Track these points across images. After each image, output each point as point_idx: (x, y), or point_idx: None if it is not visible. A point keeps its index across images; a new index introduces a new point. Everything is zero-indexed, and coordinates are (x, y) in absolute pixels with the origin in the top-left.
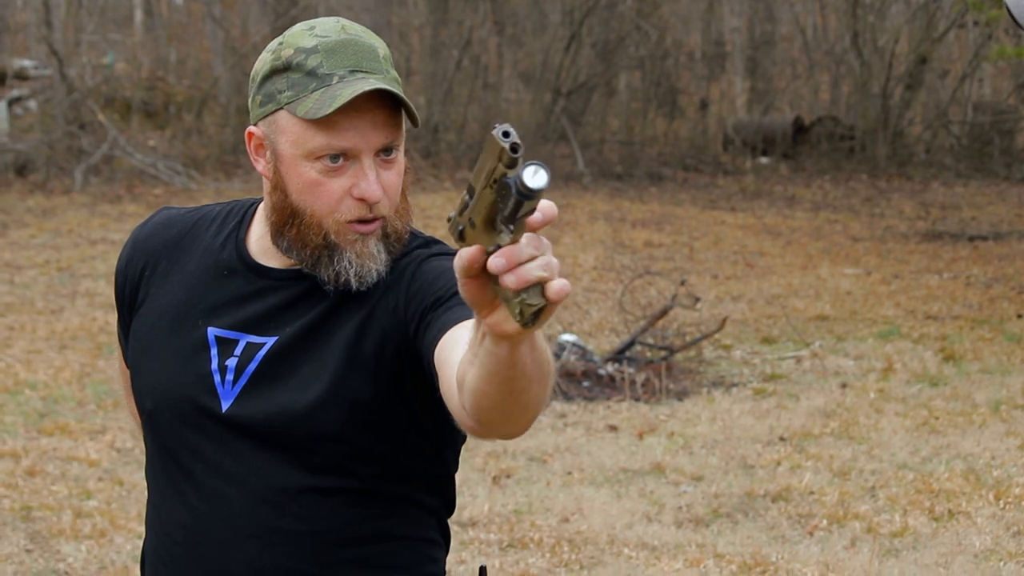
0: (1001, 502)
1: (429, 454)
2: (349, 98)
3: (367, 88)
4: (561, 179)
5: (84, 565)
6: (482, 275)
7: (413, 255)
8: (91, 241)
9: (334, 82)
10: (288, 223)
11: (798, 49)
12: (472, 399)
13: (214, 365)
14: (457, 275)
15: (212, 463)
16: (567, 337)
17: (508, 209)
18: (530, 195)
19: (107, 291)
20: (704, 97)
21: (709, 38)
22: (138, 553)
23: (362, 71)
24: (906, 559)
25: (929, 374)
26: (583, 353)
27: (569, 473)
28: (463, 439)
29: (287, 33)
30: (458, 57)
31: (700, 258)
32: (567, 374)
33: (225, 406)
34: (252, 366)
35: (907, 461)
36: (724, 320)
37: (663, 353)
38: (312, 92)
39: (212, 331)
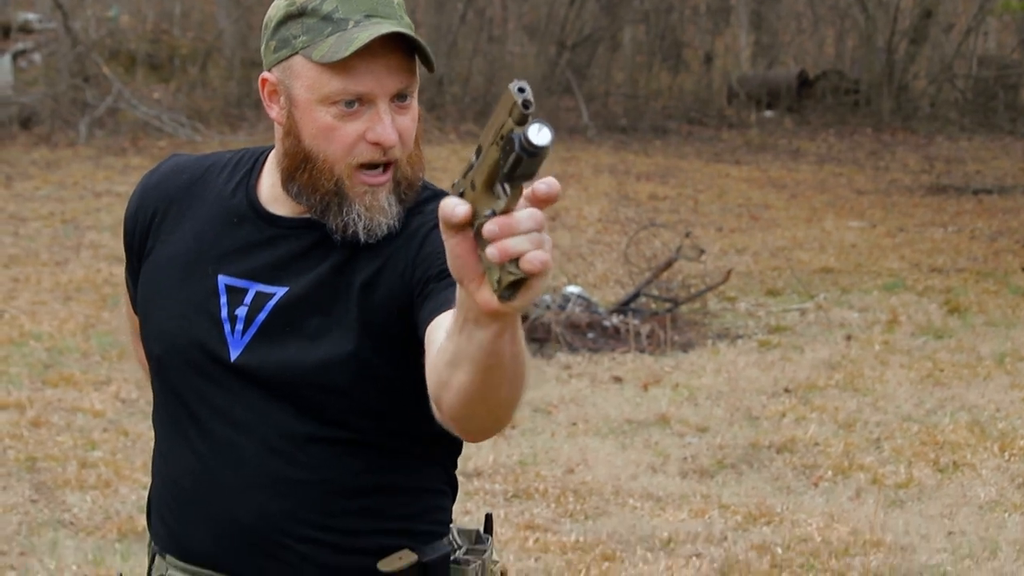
0: (1006, 454)
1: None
2: (366, 41)
3: (384, 31)
4: (566, 132)
5: (89, 515)
6: (473, 240)
7: (427, 214)
8: (96, 193)
9: (350, 26)
10: (300, 168)
11: (803, 3)
12: (440, 385)
13: (224, 313)
14: (442, 229)
15: (220, 411)
16: (572, 289)
17: (508, 166)
18: (533, 151)
19: (112, 243)
20: (709, 51)
21: None
22: (143, 503)
23: (378, 16)
24: (911, 510)
25: (934, 326)
26: (588, 305)
27: (574, 424)
28: None
29: None
30: (463, 10)
31: (704, 211)
32: (572, 326)
33: (234, 355)
34: (262, 316)
35: (912, 413)
36: (729, 272)
37: (668, 305)
38: (328, 36)
39: (222, 279)
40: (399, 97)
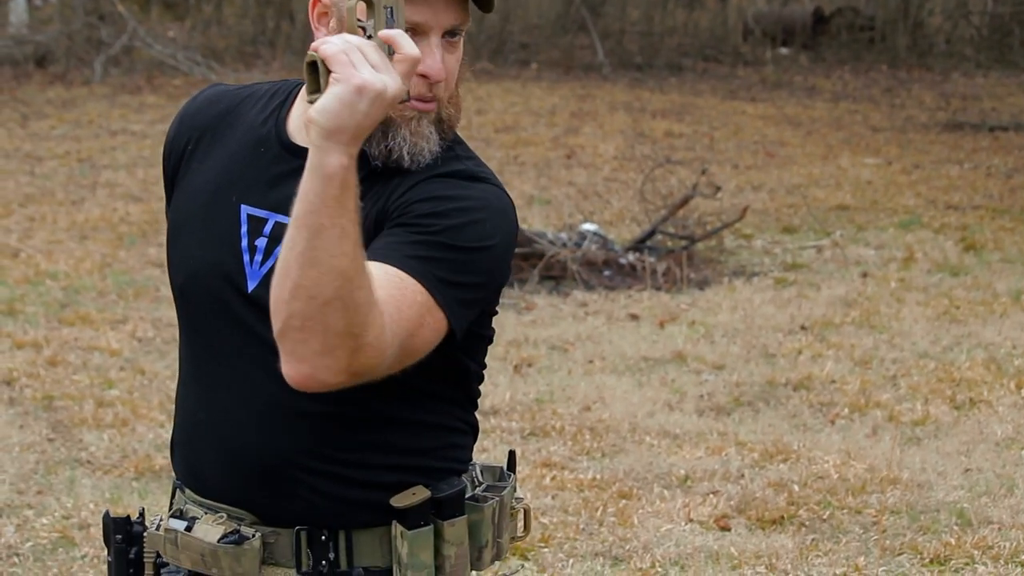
0: (1022, 391)
1: (450, 354)
2: None
3: None
4: (581, 70)
5: (106, 454)
6: None
7: (436, 164)
8: (111, 132)
9: None
10: None
11: None
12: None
13: (244, 244)
14: None
15: (236, 343)
16: (588, 226)
17: None
18: None
19: (128, 182)
20: None
21: None
22: (160, 442)
23: None
24: (927, 447)
25: (950, 264)
26: (604, 242)
27: (590, 362)
28: (488, 342)
29: None
30: None
31: (720, 148)
32: (588, 263)
33: (251, 286)
34: (279, 248)
35: (928, 350)
36: (745, 209)
37: (684, 242)
38: None
39: (245, 208)
40: (450, 33)
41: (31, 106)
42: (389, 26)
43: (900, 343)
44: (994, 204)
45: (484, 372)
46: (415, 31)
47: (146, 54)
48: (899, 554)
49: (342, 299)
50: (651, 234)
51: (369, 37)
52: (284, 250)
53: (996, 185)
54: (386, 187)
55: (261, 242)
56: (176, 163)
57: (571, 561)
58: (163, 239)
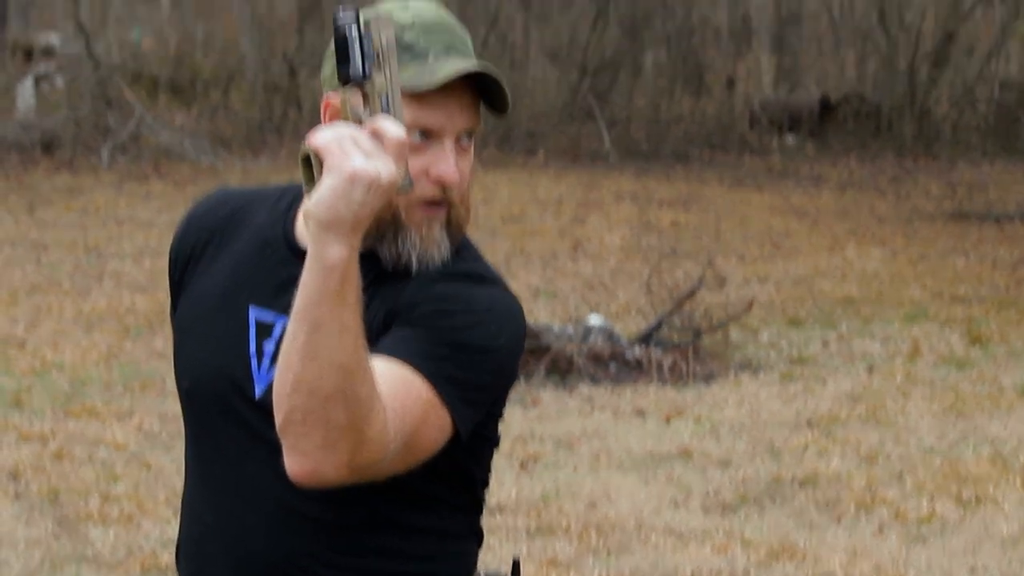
0: None
1: (456, 457)
2: (453, 74)
3: (470, 68)
4: (588, 158)
5: (112, 550)
6: None
7: (444, 266)
8: (118, 220)
9: (429, 59)
10: None
11: (825, 26)
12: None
13: (252, 348)
14: None
15: (243, 446)
16: (594, 319)
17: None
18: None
19: (134, 271)
20: (730, 75)
21: (735, 15)
22: (166, 538)
23: (456, 51)
24: (933, 545)
25: (956, 357)
26: (610, 336)
27: (596, 457)
28: (493, 446)
29: (380, 7)
30: (484, 35)
31: (727, 239)
32: (594, 357)
33: (259, 391)
34: (281, 350)
35: (934, 445)
36: (751, 302)
37: (690, 336)
38: (407, 66)
39: (253, 312)
40: (463, 137)
41: (38, 193)
42: (385, 112)
43: (906, 438)
44: (1000, 296)
45: (490, 477)
46: (429, 135)
47: (153, 141)
48: None
49: (343, 393)
50: (657, 327)
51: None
52: (285, 343)
53: (1002, 276)
54: (394, 288)
55: (269, 346)
56: (183, 267)
57: None
58: (169, 330)
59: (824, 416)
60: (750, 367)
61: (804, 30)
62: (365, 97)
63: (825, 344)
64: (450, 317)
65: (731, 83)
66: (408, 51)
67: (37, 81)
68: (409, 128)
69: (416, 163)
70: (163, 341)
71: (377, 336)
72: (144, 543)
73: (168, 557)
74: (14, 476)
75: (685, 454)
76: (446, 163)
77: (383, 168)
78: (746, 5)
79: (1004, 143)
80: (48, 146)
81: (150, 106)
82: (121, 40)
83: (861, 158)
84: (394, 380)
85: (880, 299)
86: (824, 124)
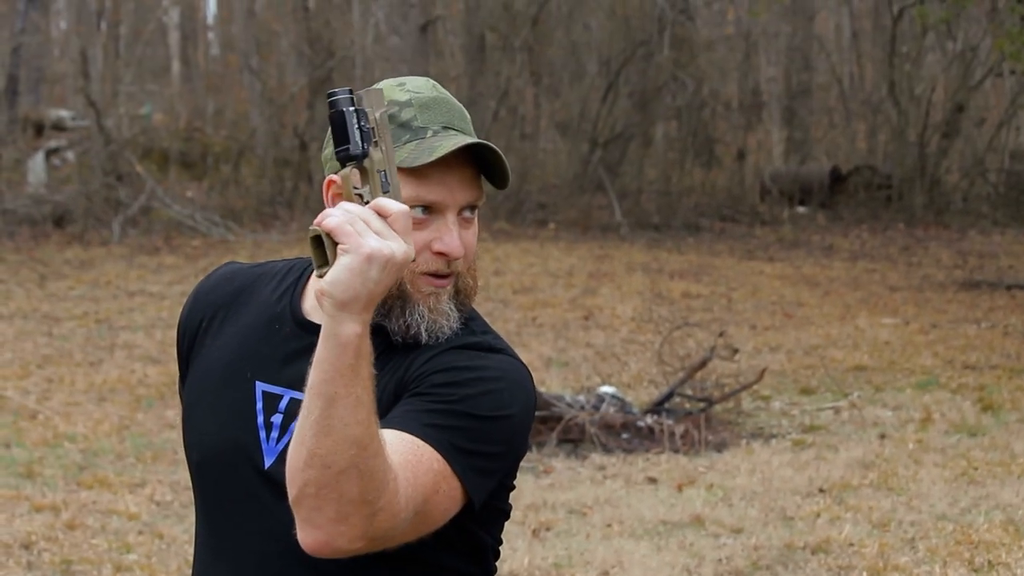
0: None
1: (466, 527)
2: (450, 149)
3: (468, 142)
4: (599, 229)
5: None
6: None
7: (453, 337)
8: (129, 293)
9: (428, 136)
10: None
11: (835, 98)
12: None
13: (260, 420)
14: None
15: (251, 517)
16: (606, 389)
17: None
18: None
19: (146, 343)
20: (741, 147)
21: (746, 88)
22: None
23: (454, 128)
24: None
25: (968, 424)
26: (622, 405)
27: (609, 525)
28: (505, 516)
29: (377, 88)
30: (495, 107)
31: (738, 308)
32: (606, 426)
33: (268, 463)
34: (295, 423)
35: (946, 512)
36: (763, 371)
37: (702, 405)
38: (406, 143)
39: (259, 385)
40: (465, 210)
41: (49, 266)
42: (384, 189)
43: (918, 505)
44: (1011, 364)
45: (500, 546)
46: (431, 209)
47: (164, 214)
48: None
49: (357, 467)
50: (669, 396)
51: (366, 203)
52: (300, 419)
53: (1013, 344)
54: (404, 360)
55: (277, 419)
56: (191, 341)
57: None
58: (180, 401)
59: (836, 483)
60: (762, 435)
61: (814, 102)
62: (364, 173)
63: (837, 412)
64: (460, 387)
65: (741, 155)
66: (406, 128)
67: (48, 155)
68: (411, 204)
69: (419, 237)
70: (174, 412)
71: (387, 407)
72: None
73: None
74: (27, 547)
75: (697, 522)
76: (449, 237)
77: (395, 246)
78: (756, 78)
79: (1014, 212)
80: (59, 220)
81: (161, 180)
82: (132, 115)
83: (872, 228)
84: (405, 451)
85: (892, 367)
86: (835, 195)
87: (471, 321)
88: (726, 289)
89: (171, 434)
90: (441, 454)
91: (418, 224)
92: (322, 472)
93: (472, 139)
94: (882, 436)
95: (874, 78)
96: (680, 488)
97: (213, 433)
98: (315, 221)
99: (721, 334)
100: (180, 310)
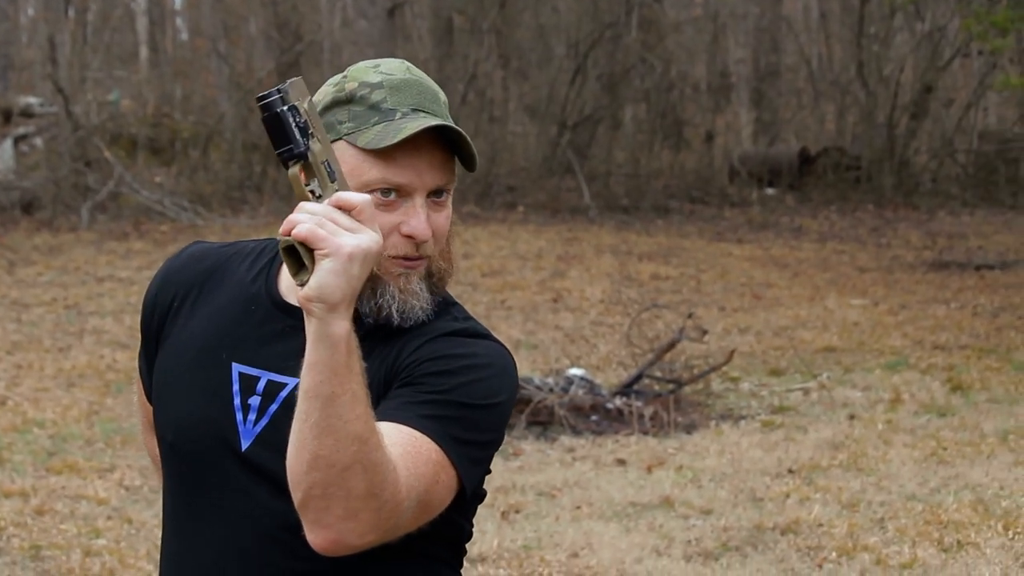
0: (1010, 532)
1: (450, 514)
2: (414, 131)
3: (432, 123)
4: (568, 212)
5: None
6: None
7: (438, 325)
8: (98, 279)
9: (397, 117)
10: None
11: (803, 79)
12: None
13: (237, 402)
14: None
15: (227, 500)
16: (575, 371)
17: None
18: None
19: (115, 328)
20: (710, 129)
21: (714, 69)
22: None
23: (424, 111)
24: None
25: (937, 404)
26: (591, 387)
27: (578, 507)
28: (479, 501)
29: (351, 68)
30: (463, 91)
31: (707, 290)
32: (575, 408)
33: (244, 445)
34: (273, 407)
35: (916, 492)
36: (732, 352)
37: (671, 386)
38: (374, 125)
39: (236, 367)
40: (435, 193)
41: (18, 252)
42: (331, 179)
43: (887, 485)
44: (980, 344)
45: (472, 531)
46: (400, 192)
47: (133, 200)
48: None
49: (361, 463)
50: (638, 378)
51: (319, 197)
52: (296, 423)
53: (982, 324)
54: (390, 348)
55: (254, 400)
56: (161, 320)
57: None
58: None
59: (806, 464)
60: (731, 416)
61: (783, 84)
62: (308, 168)
63: (806, 393)
64: (453, 376)
65: (710, 137)
66: (376, 110)
67: (16, 142)
68: (378, 186)
69: (387, 220)
70: None
71: (378, 396)
72: None
73: None
74: None
75: (667, 503)
76: (416, 219)
77: (366, 238)
78: (724, 59)
79: (983, 193)
80: (28, 206)
81: (129, 165)
82: (100, 101)
83: (841, 209)
84: (403, 442)
85: (861, 348)
86: (804, 177)
87: (452, 307)
88: (695, 271)
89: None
90: (439, 444)
91: (386, 206)
92: (327, 472)
93: (438, 121)
94: (851, 417)
95: (842, 59)
96: (649, 470)
97: (187, 415)
98: (281, 231)
99: (690, 316)
100: (142, 304)
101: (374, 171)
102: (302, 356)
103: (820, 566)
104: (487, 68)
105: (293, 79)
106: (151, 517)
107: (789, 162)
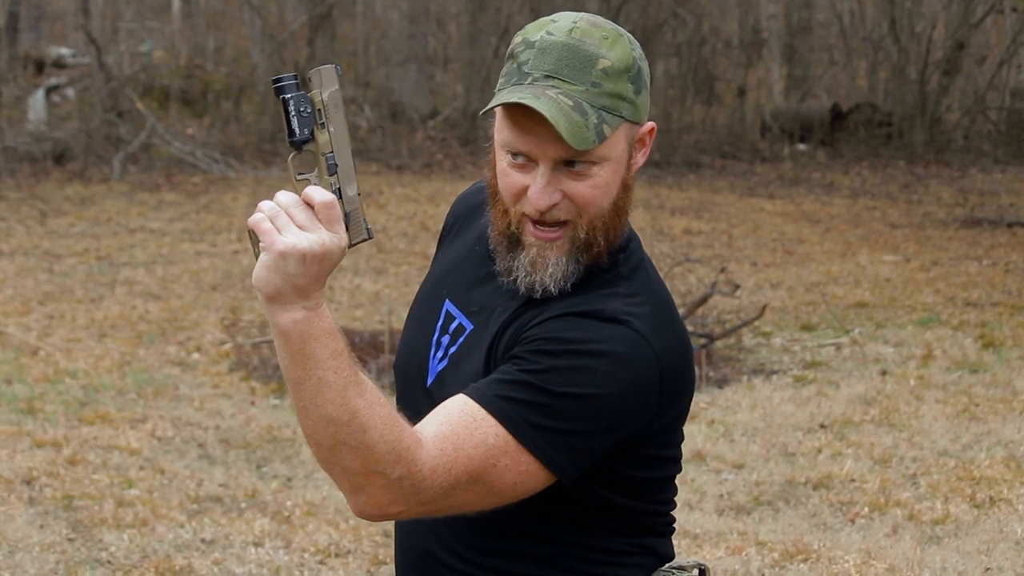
0: None
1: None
2: (495, 104)
3: (513, 99)
4: None
5: (126, 554)
6: None
7: (578, 300)
8: (130, 229)
9: (527, 82)
10: (493, 200)
11: (835, 36)
12: None
13: (435, 338)
14: None
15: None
16: None
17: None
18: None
19: (147, 279)
20: (741, 84)
21: (746, 25)
22: (180, 542)
23: (559, 77)
24: (948, 546)
25: (969, 361)
26: None
27: None
28: (657, 483)
29: (531, 24)
30: (496, 45)
31: (739, 245)
32: None
33: (429, 381)
34: (453, 348)
35: (948, 448)
36: (764, 307)
37: (703, 341)
38: (510, 85)
39: (447, 304)
40: (568, 163)
41: (50, 203)
42: (331, 172)
43: (920, 441)
44: (1012, 300)
45: (665, 505)
46: (528, 157)
47: (165, 151)
48: None
49: (345, 443)
50: None
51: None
52: None
53: (1015, 281)
54: (531, 312)
55: (445, 339)
56: (439, 242)
57: None
58: (181, 338)
59: (838, 419)
60: (763, 371)
61: (814, 40)
62: (307, 157)
63: (838, 349)
64: (549, 358)
65: (742, 92)
66: (518, 72)
67: (48, 93)
68: (507, 148)
69: (517, 179)
70: (175, 348)
71: (500, 355)
72: (158, 547)
73: (183, 560)
74: (28, 482)
75: (699, 457)
76: (534, 187)
77: (315, 238)
78: (756, 15)
79: (1015, 150)
80: (60, 157)
81: (161, 117)
82: (132, 52)
83: (873, 166)
84: (454, 423)
85: (893, 304)
86: (835, 133)
87: (623, 280)
88: (727, 226)
89: (172, 370)
90: (508, 429)
91: (518, 167)
92: (317, 449)
93: (531, 97)
94: (883, 373)
95: (874, 15)
96: None
97: (407, 342)
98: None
99: (722, 270)
100: (181, 247)
101: (504, 133)
102: (487, 303)
103: (852, 521)
104: (520, 21)
105: (324, 66)
106: (183, 468)
107: (821, 118)
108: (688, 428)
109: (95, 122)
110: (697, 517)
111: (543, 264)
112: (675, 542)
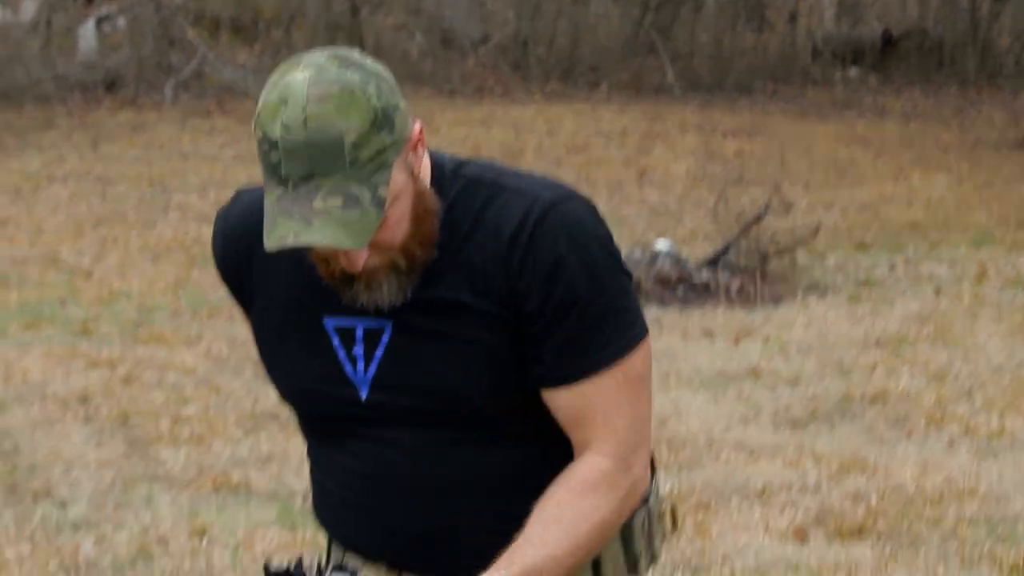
0: None
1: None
2: (275, 247)
3: (288, 242)
4: (651, 91)
5: (183, 470)
6: None
7: (496, 211)
8: (183, 154)
9: (289, 188)
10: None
11: None
12: None
13: (341, 355)
14: None
15: (363, 435)
16: (661, 244)
17: None
18: None
19: (199, 204)
20: (792, 10)
21: None
22: (237, 457)
23: (317, 176)
24: (1004, 460)
25: (1022, 279)
26: (677, 260)
27: (666, 376)
28: None
29: (261, 103)
30: None
31: (792, 167)
32: (661, 280)
33: (364, 393)
34: (379, 352)
35: (1003, 364)
36: (818, 227)
37: (757, 260)
38: (274, 191)
39: (329, 321)
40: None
41: (101, 130)
42: None
43: (975, 358)
44: None
45: None
46: None
47: (216, 79)
48: (978, 563)
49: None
50: (724, 252)
51: None
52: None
53: None
54: (465, 249)
55: (358, 350)
56: (238, 281)
57: (651, 572)
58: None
59: (892, 336)
60: (818, 289)
61: None
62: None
63: (892, 267)
64: (576, 289)
65: (793, 18)
66: (275, 172)
67: (99, 23)
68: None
69: (321, 250)
70: None
71: (495, 326)
72: (215, 462)
73: (239, 475)
74: (84, 400)
75: (754, 373)
76: (342, 257)
77: None
78: None
79: None
80: (111, 85)
81: (212, 45)
82: None
83: (924, 90)
84: (593, 414)
85: (946, 224)
86: (886, 58)
87: (477, 183)
88: (779, 148)
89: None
90: (608, 367)
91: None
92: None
93: (295, 229)
94: (937, 291)
95: None
96: (736, 340)
97: (297, 378)
98: None
99: (776, 191)
100: (234, 171)
101: None
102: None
103: (909, 435)
104: None
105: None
106: (239, 386)
107: (872, 44)
108: (744, 344)
109: (146, 50)
110: (753, 431)
111: (377, 287)
112: (732, 456)
